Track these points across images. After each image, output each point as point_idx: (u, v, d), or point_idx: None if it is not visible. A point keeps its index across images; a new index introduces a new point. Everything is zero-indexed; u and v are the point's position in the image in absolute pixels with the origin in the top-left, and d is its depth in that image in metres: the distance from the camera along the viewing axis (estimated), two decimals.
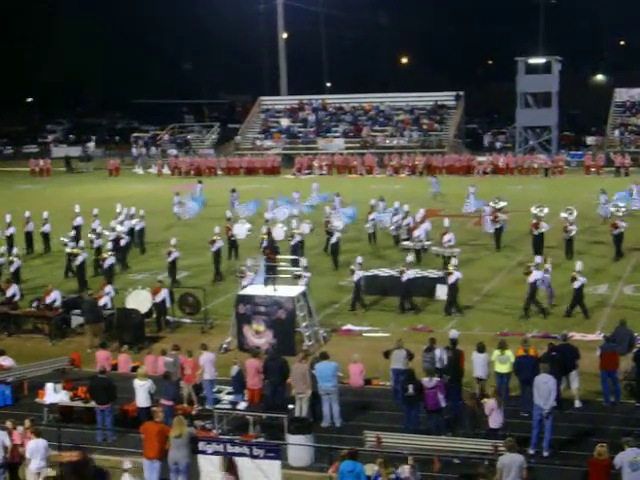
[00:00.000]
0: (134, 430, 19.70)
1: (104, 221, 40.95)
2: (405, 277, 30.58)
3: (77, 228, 41.37)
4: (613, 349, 22.86)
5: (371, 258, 37.82)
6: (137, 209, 43.44)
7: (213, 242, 36.08)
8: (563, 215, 39.93)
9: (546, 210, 40.71)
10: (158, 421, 18.78)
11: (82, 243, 36.33)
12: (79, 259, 34.70)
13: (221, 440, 18.66)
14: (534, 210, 40.43)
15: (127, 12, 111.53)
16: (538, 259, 30.76)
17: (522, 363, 21.70)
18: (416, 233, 38.32)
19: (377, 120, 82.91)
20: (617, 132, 75.53)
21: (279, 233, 39.01)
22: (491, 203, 43.30)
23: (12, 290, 30.65)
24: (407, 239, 39.18)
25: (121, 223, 40.63)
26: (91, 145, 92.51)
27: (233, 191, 52.21)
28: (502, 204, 42.71)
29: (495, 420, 19.46)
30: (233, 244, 38.83)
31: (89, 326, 28.35)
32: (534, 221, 38.52)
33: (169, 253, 34.93)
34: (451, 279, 30.23)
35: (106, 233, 38.89)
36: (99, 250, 37.53)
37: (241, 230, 39.76)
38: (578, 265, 30.00)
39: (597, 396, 22.52)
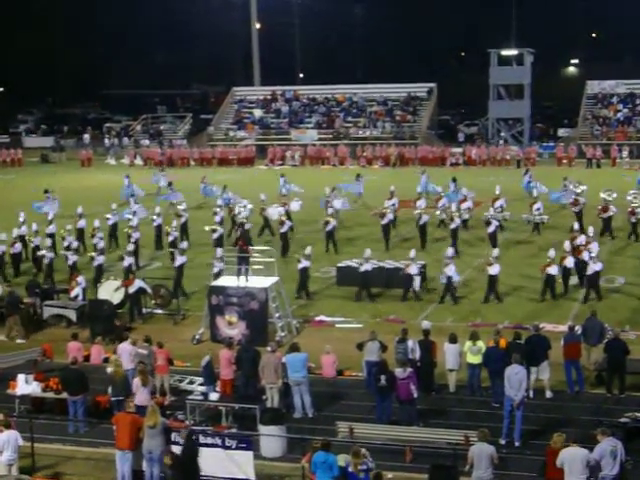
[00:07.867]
0: (106, 421, 19.66)
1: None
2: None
3: None
4: (577, 339, 23.11)
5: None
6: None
7: (214, 231, 37.38)
8: (602, 195, 41.57)
9: (615, 195, 41.84)
10: (130, 412, 18.74)
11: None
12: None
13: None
14: (602, 194, 41.79)
15: (99, 2, 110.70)
16: (551, 253, 30.70)
17: (491, 354, 21.84)
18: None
19: (350, 111, 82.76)
20: (588, 124, 75.90)
21: (273, 212, 40.72)
22: (571, 187, 44.32)
23: None
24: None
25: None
26: (86, 137, 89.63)
27: (282, 175, 51.14)
28: (582, 187, 44.09)
29: (140, 399, 20.08)
30: (267, 224, 40.88)
31: (9, 318, 28.39)
32: (602, 205, 40.06)
33: (282, 221, 37.26)
34: (407, 270, 30.79)
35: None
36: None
37: (274, 212, 41.04)
38: (495, 252, 30.96)
39: (567, 386, 22.69)
